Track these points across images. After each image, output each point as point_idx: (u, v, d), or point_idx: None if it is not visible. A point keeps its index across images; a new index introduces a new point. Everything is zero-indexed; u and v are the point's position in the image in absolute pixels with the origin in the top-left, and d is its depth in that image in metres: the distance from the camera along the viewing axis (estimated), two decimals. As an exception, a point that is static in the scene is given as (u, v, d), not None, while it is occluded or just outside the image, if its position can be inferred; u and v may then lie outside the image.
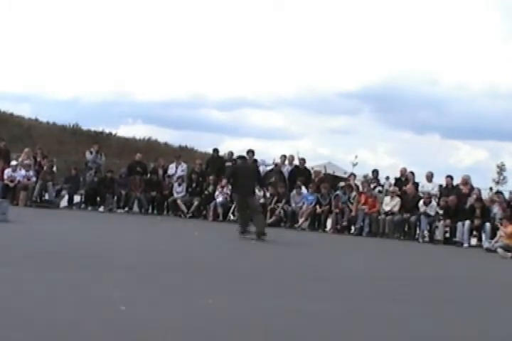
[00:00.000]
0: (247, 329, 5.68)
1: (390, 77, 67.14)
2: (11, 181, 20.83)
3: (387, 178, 21.18)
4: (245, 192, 15.01)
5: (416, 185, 20.18)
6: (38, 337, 4.77)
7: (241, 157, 16.25)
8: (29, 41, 67.22)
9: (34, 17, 68.14)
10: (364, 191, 19.82)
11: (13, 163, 21.70)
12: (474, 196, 18.82)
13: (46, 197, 21.51)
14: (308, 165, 22.41)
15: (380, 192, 20.25)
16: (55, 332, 4.96)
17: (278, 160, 22.32)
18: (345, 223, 19.44)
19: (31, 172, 21.42)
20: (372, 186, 20.31)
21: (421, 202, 18.69)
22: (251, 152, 22.05)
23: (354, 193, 19.84)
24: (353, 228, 19.58)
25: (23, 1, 65.44)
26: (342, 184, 20.98)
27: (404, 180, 20.47)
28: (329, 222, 19.72)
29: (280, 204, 20.01)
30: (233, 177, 15.77)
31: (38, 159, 22.65)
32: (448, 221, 18.22)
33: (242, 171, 15.38)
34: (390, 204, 19.21)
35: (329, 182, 20.92)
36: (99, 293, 6.71)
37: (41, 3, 66.03)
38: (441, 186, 20.16)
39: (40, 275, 7.55)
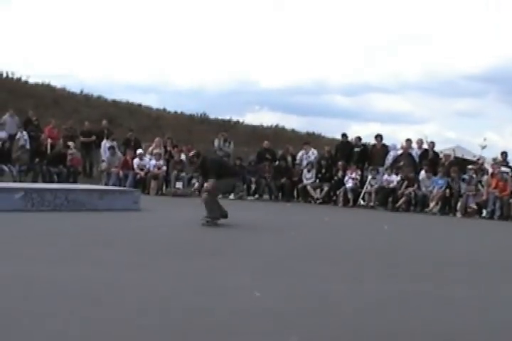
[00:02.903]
0: (388, 312, 5.77)
1: (515, 58, 64.84)
2: (141, 169, 21.41)
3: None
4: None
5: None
6: (174, 325, 4.89)
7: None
8: (154, 33, 69.10)
9: (157, 9, 69.97)
10: (495, 173, 19.65)
11: (139, 151, 22.21)
12: None
13: (177, 185, 21.67)
14: (436, 148, 22.37)
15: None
16: (190, 319, 5.06)
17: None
18: (475, 206, 19.38)
19: (161, 162, 21.92)
20: (501, 169, 20.09)
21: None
22: (379, 136, 22.38)
23: (486, 176, 19.77)
24: (484, 211, 19.49)
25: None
26: (471, 167, 20.84)
27: (534, 162, 20.17)
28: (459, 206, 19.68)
29: (410, 189, 20.15)
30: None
31: (168, 148, 23.14)
32: None
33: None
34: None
35: (459, 166, 20.80)
36: (234, 280, 6.81)
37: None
38: None
39: (173, 263, 7.69)
